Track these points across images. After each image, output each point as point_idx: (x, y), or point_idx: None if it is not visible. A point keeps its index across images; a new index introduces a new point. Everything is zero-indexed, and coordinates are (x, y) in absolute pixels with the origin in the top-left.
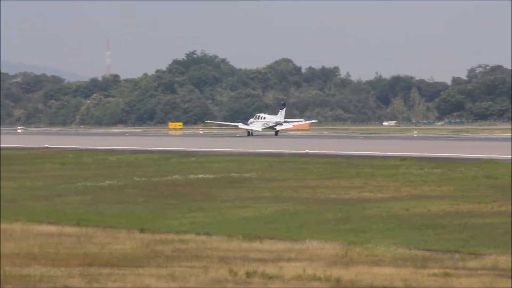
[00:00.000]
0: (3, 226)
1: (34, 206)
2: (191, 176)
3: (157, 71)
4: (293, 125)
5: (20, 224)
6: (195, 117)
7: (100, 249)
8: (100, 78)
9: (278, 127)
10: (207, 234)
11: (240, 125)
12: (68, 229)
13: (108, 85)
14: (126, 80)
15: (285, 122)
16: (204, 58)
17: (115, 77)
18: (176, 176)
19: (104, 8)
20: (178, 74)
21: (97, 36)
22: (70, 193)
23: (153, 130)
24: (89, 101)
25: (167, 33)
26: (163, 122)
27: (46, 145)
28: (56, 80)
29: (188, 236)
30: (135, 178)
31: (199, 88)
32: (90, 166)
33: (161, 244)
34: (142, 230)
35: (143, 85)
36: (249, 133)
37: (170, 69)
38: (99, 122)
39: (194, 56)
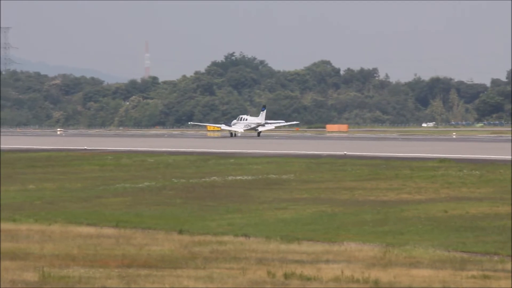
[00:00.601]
0: (43, 227)
1: (73, 207)
2: (229, 178)
3: (196, 72)
4: (275, 126)
5: (59, 225)
6: (233, 119)
7: (138, 250)
8: (139, 80)
9: (260, 128)
10: (245, 235)
11: (223, 126)
12: (107, 231)
13: (147, 87)
14: (164, 82)
15: (266, 123)
16: (242, 60)
17: (154, 79)
18: (215, 177)
19: (143, 10)
20: (216, 75)
21: (136, 38)
22: (109, 195)
23: (191, 131)
24: (127, 103)
25: (205, 35)
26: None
27: (85, 147)
28: (95, 82)
29: (226, 238)
30: (173, 179)
31: (237, 89)
32: (129, 167)
33: (199, 246)
34: (180, 232)
35: (182, 87)
36: (232, 134)
37: (208, 71)
38: (137, 124)
39: (233, 58)
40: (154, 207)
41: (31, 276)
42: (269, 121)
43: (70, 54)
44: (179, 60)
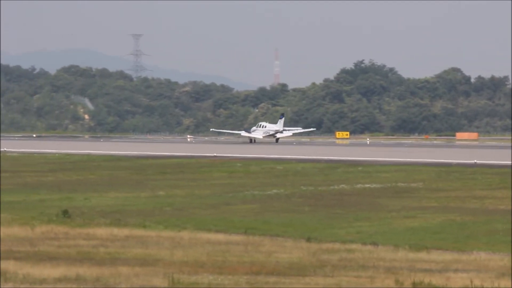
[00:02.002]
0: (172, 234)
1: (202, 214)
2: (358, 186)
3: (325, 80)
4: (292, 133)
5: (188, 232)
6: (362, 127)
7: (267, 257)
8: (268, 87)
9: (278, 135)
10: (374, 243)
11: (243, 133)
12: (236, 238)
13: (276, 94)
14: (294, 89)
15: (284, 130)
16: (372, 67)
17: (283, 86)
18: (343, 185)
19: (274, 17)
20: (346, 83)
21: (266, 45)
22: (237, 202)
23: (320, 139)
24: (257, 110)
25: (335, 42)
26: (330, 131)
27: (215, 154)
28: (225, 89)
29: (354, 246)
30: (302, 187)
31: (366, 97)
32: (258, 174)
33: (327, 254)
34: (308, 239)
35: (311, 94)
36: (251, 140)
37: (338, 78)
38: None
39: (362, 65)
40: (282, 215)
41: (160, 282)
42: (286, 128)
43: (201, 61)
44: (309, 67)
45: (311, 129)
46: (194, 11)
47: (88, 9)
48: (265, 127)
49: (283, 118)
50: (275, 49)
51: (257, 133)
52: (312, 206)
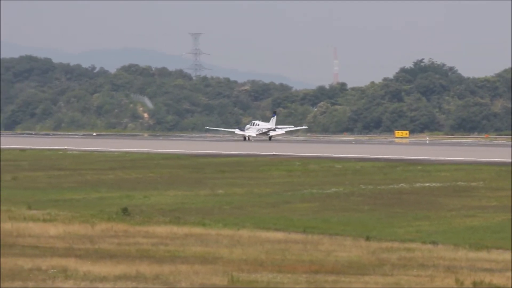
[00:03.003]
0: (232, 232)
1: (261, 212)
2: (417, 185)
3: (384, 79)
4: (285, 131)
5: (247, 230)
6: (421, 126)
7: (326, 256)
8: (327, 86)
9: (271, 133)
10: (433, 242)
11: (237, 131)
12: (295, 236)
13: (335, 93)
14: (353, 88)
15: (276, 128)
16: (431, 66)
17: (342, 85)
18: (402, 184)
19: (333, 16)
20: (405, 82)
21: (325, 44)
22: (296, 200)
23: (379, 138)
24: (316, 109)
25: (395, 41)
26: (389, 130)
27: (274, 152)
28: (283, 88)
29: (414, 245)
30: (361, 186)
31: (426, 96)
32: (317, 173)
33: (386, 252)
34: (367, 238)
35: (370, 93)
36: (245, 138)
37: (397, 77)
38: (325, 130)
39: (422, 64)
40: (341, 213)
41: (220, 280)
42: (279, 126)
43: (260, 60)
44: (368, 66)
45: (303, 127)
46: (253, 11)
47: (148, 9)
48: (258, 125)
49: (275, 116)
50: (334, 48)
51: (251, 131)
52: (372, 205)
